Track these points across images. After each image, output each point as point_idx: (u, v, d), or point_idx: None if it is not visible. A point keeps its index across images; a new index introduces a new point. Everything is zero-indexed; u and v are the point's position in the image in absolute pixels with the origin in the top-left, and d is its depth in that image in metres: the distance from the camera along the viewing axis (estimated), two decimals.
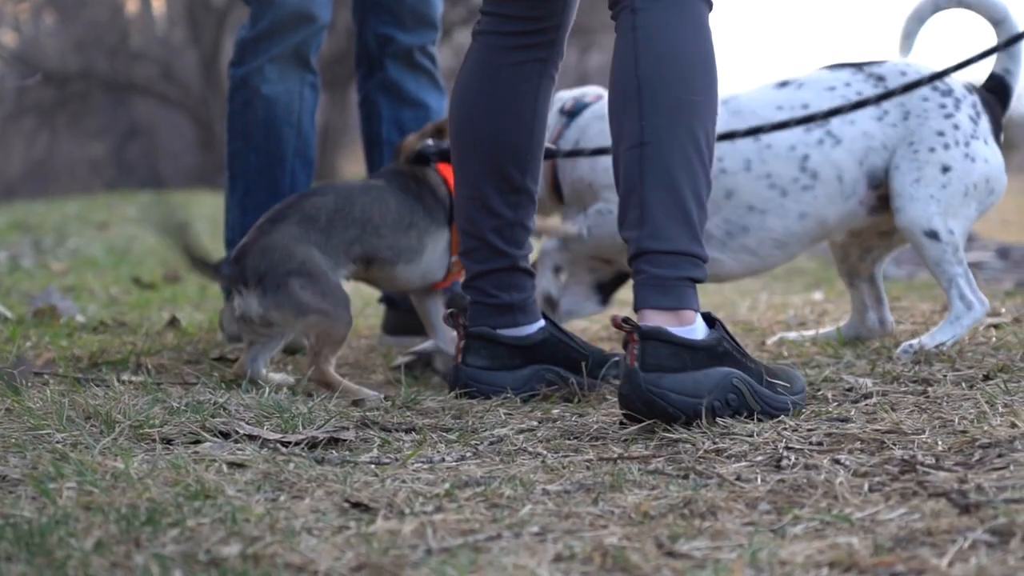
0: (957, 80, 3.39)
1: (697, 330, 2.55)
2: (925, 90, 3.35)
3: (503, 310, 2.97)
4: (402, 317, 3.86)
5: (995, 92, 3.42)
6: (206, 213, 11.79)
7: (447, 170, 3.22)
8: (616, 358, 2.97)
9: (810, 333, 3.64)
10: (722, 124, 3.19)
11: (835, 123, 3.38)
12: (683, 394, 2.49)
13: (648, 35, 2.63)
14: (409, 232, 3.20)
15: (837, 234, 3.49)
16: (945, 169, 3.29)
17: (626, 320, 2.53)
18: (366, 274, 3.23)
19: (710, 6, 2.69)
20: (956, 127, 3.32)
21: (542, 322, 3.01)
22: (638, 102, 2.60)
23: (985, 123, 3.37)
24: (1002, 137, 3.41)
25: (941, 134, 3.31)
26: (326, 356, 3.02)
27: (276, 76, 3.71)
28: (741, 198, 3.43)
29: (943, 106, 3.34)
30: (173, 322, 4.14)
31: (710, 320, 2.59)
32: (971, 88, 3.40)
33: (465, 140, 2.98)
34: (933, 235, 3.26)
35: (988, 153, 3.34)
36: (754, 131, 3.28)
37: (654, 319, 2.54)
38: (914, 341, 3.21)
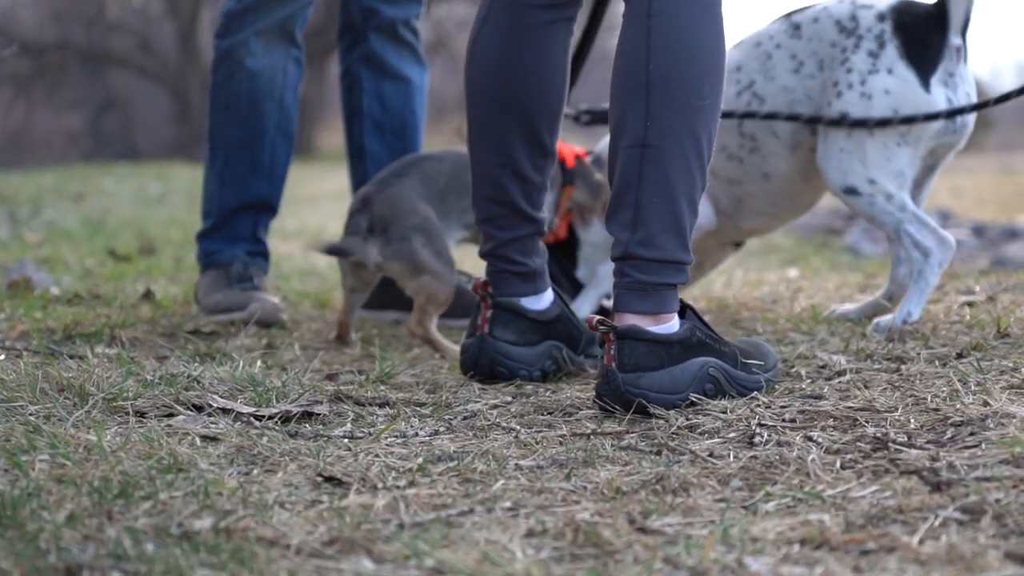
0: (877, 6, 3.21)
1: (672, 325, 2.55)
2: (835, 35, 3.22)
3: (528, 277, 2.90)
4: (378, 292, 3.86)
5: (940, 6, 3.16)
6: (183, 185, 11.76)
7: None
8: None
9: (854, 306, 3.50)
10: None
11: (759, 83, 3.32)
12: (662, 392, 2.49)
13: (663, 25, 2.53)
14: None
15: (820, 177, 3.36)
16: (843, 118, 3.18)
17: (602, 321, 2.52)
18: (475, 237, 3.31)
19: None
20: (849, 71, 3.18)
21: (551, 293, 2.98)
22: (645, 100, 2.52)
23: (892, 51, 3.16)
24: (940, 59, 3.15)
25: (835, 84, 3.20)
26: (431, 315, 3.16)
27: (261, 49, 3.69)
28: (720, 175, 3.45)
29: (843, 50, 3.20)
30: (148, 295, 4.13)
31: (681, 308, 2.59)
32: (885, 15, 3.19)
33: (493, 106, 2.83)
34: (852, 191, 3.18)
35: (890, 83, 3.15)
36: (749, 115, 3.31)
37: (632, 321, 2.53)
38: (887, 318, 3.18)
